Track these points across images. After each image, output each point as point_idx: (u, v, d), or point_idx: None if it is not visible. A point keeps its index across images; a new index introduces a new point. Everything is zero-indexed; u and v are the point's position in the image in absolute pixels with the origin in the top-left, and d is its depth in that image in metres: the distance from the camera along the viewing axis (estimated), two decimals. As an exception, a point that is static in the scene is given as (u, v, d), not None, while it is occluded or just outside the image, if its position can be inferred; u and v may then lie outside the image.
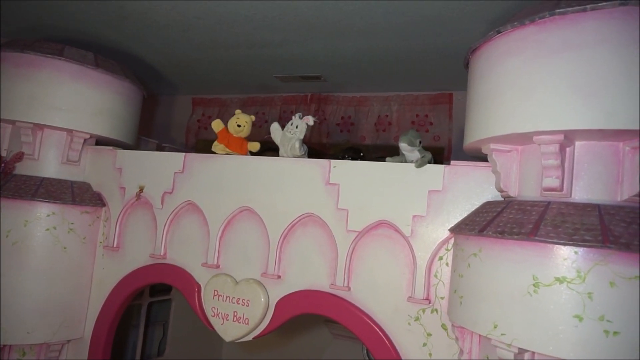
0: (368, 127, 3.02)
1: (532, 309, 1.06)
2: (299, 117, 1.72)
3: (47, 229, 1.86)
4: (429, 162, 1.48)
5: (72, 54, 1.90)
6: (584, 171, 1.14)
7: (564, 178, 1.13)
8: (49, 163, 1.95)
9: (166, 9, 2.03)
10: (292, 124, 1.71)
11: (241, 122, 1.79)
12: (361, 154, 1.97)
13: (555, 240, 1.03)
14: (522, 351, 1.10)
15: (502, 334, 1.10)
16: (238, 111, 1.85)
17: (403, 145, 1.48)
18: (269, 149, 1.88)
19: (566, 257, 1.04)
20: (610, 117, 1.03)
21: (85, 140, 1.98)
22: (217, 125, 1.82)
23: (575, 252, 1.03)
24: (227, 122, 1.83)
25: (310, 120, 1.69)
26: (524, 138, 1.18)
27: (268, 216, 1.66)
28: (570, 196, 1.14)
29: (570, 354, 1.00)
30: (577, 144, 1.15)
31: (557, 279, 1.03)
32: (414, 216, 1.45)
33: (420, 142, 1.50)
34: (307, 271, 1.62)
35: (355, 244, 1.54)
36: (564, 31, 1.09)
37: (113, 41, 2.48)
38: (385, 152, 1.74)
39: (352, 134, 3.07)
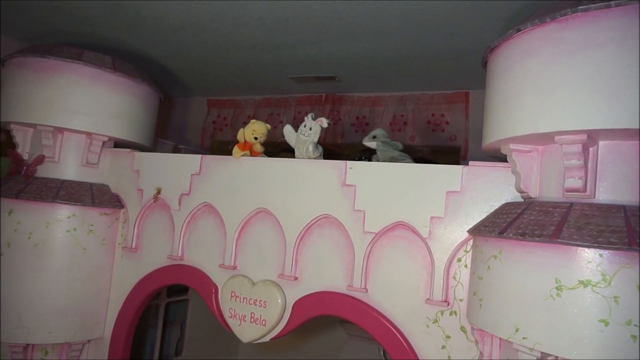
0: (383, 127, 2.99)
1: (554, 313, 1.04)
2: (312, 118, 1.71)
3: (68, 231, 1.89)
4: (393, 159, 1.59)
5: (90, 58, 1.92)
6: (608, 171, 1.11)
7: (587, 178, 1.10)
8: (69, 166, 1.98)
9: (180, 13, 2.05)
10: (305, 126, 1.71)
11: (258, 134, 1.78)
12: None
13: (579, 243, 1.00)
14: (544, 355, 1.08)
15: (523, 338, 1.08)
16: (253, 121, 1.81)
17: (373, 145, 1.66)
18: (284, 150, 1.88)
19: (590, 260, 1.01)
20: (635, 116, 1.00)
21: (103, 142, 2.01)
22: (237, 151, 1.79)
23: (600, 255, 1.00)
24: (240, 121, 1.83)
25: (324, 122, 1.68)
26: (545, 138, 1.16)
27: (284, 218, 1.66)
28: (594, 197, 1.11)
29: (596, 359, 0.98)
30: (601, 143, 1.12)
31: (581, 283, 1.01)
32: (432, 217, 1.44)
33: (374, 137, 1.65)
34: (324, 273, 1.61)
35: (372, 246, 1.54)
36: (587, 28, 1.06)
37: (129, 45, 2.51)
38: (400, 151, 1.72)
39: (367, 134, 3.03)
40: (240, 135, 1.79)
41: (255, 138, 1.78)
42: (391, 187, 1.50)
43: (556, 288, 1.04)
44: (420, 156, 2.77)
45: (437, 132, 2.87)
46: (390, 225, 1.50)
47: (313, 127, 1.68)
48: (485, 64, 1.40)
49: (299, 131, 1.73)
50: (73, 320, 1.90)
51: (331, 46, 2.31)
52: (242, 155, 1.77)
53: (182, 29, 2.24)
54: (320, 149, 1.73)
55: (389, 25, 1.99)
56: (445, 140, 2.84)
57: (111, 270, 2.02)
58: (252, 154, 1.80)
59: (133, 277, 1.96)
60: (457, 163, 1.45)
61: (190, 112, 3.77)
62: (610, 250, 0.99)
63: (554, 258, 1.06)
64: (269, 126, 1.83)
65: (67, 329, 1.89)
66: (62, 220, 1.88)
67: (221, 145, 3.51)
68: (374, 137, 1.68)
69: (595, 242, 0.99)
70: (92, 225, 1.94)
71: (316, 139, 1.69)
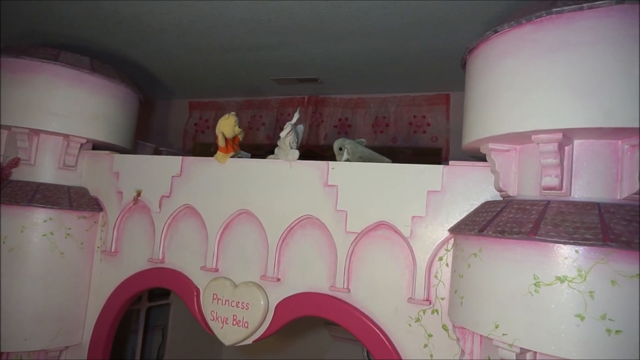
0: (365, 129, 3.02)
1: (533, 309, 1.06)
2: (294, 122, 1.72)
3: (44, 235, 1.84)
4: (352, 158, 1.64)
5: (68, 59, 1.89)
6: (583, 169, 1.14)
7: (563, 177, 1.13)
8: (45, 168, 1.94)
9: (161, 14, 2.02)
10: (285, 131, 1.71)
11: (236, 122, 1.80)
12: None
13: (555, 239, 1.02)
14: (523, 351, 1.09)
15: (503, 334, 1.10)
16: (233, 114, 1.83)
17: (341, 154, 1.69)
18: (270, 152, 1.87)
19: (567, 256, 1.03)
20: (608, 116, 1.03)
21: (81, 145, 1.97)
22: (223, 156, 1.79)
23: (576, 251, 1.02)
24: (215, 124, 1.85)
25: (294, 118, 1.69)
26: (523, 137, 1.18)
27: (267, 219, 1.66)
28: (570, 195, 1.14)
29: (572, 353, 1.00)
30: (576, 142, 1.14)
31: (558, 278, 1.03)
32: (413, 217, 1.45)
33: (340, 149, 1.69)
34: (307, 273, 1.61)
35: (354, 246, 1.54)
36: (561, 30, 1.09)
37: (109, 46, 2.47)
38: (383, 153, 1.74)
39: (349, 135, 3.06)
40: (221, 140, 1.77)
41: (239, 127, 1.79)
42: (373, 187, 1.51)
43: (534, 284, 1.06)
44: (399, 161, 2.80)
45: (418, 133, 2.90)
46: (372, 225, 1.50)
47: (286, 129, 1.68)
48: (464, 65, 1.42)
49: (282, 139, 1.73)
50: (50, 327, 1.85)
51: (313, 48, 2.31)
52: (225, 159, 1.76)
53: (163, 30, 2.21)
54: (295, 138, 1.72)
55: (370, 27, 2.01)
56: (427, 141, 2.87)
57: (90, 274, 1.98)
58: (234, 149, 1.79)
59: (112, 282, 1.92)
60: (439, 164, 1.46)
61: (172, 114, 3.73)
62: (585, 247, 1.01)
63: (532, 255, 1.08)
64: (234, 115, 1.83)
65: (44, 336, 1.84)
66: (39, 224, 1.83)
67: (204, 147, 3.47)
68: (340, 149, 1.70)
69: (571, 238, 1.01)
70: (69, 229, 1.90)
71: (285, 135, 1.68)
